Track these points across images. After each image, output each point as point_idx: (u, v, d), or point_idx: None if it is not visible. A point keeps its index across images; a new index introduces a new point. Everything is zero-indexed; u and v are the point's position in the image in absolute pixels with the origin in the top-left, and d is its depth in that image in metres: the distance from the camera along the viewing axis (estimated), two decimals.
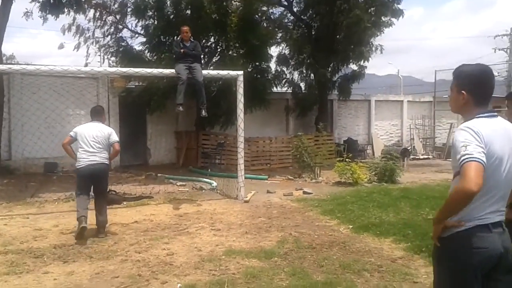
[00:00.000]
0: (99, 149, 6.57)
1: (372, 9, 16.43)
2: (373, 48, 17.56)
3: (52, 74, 12.13)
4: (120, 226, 7.00)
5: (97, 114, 6.96)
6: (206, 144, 15.64)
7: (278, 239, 6.22)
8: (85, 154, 6.49)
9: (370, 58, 17.47)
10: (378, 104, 21.70)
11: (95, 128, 6.72)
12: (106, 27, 15.55)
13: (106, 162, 6.73)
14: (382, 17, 16.79)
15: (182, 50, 9.03)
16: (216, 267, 5.03)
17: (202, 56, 10.21)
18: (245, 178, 9.87)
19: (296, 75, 18.91)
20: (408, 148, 20.19)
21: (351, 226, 6.92)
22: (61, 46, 15.53)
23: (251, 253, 5.52)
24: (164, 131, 16.51)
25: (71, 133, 6.73)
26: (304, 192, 10.10)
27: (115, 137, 6.80)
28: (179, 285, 4.48)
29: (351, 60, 17.64)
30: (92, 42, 15.55)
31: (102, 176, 6.70)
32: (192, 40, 9.39)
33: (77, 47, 15.33)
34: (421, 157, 20.12)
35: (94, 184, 6.66)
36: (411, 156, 19.34)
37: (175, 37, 14.43)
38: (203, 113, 9.39)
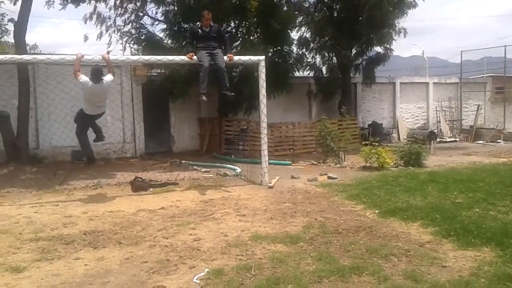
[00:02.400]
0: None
1: None
2: (396, 31, 17.17)
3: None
4: (147, 212, 7.10)
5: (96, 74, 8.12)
6: (229, 130, 15.68)
7: (303, 224, 6.21)
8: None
9: (393, 41, 17.12)
10: (403, 86, 21.32)
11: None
12: (126, 15, 15.63)
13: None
14: None
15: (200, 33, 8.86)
16: (243, 252, 5.05)
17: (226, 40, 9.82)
18: (269, 163, 9.87)
19: (318, 59, 18.71)
20: (435, 131, 19.82)
21: (377, 211, 6.85)
22: (85, 38, 15.70)
23: (277, 238, 5.52)
24: (187, 118, 16.61)
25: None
26: (329, 177, 10.04)
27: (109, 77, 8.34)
28: (206, 269, 4.52)
29: (375, 44, 17.28)
30: (114, 30, 15.66)
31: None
32: (212, 24, 9.06)
33: (99, 36, 15.47)
34: (448, 140, 19.76)
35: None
36: (438, 139, 18.98)
37: (196, 23, 14.45)
38: (229, 94, 9.24)
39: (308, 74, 18.77)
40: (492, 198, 7.38)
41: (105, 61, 8.39)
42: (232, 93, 9.39)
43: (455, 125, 21.58)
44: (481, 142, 18.90)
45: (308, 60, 18.39)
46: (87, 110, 8.27)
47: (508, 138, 18.61)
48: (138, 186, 9.02)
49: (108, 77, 8.22)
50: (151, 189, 9.03)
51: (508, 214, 6.41)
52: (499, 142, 18.43)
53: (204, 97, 9.01)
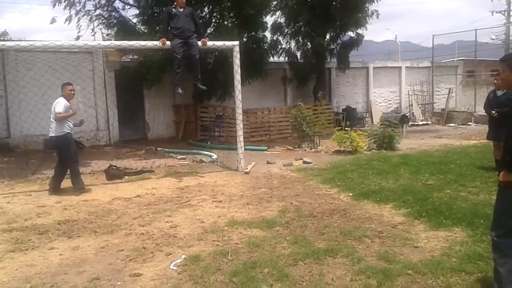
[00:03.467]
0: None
1: None
2: (369, 14, 17.29)
3: (47, 50, 11.94)
4: (122, 201, 7.06)
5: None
6: (204, 117, 15.61)
7: (279, 208, 6.29)
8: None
9: (367, 25, 17.23)
10: (376, 71, 21.54)
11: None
12: None
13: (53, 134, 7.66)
14: None
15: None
16: (219, 238, 5.10)
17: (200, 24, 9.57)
18: (245, 149, 9.91)
19: (292, 44, 18.65)
20: (407, 114, 20.17)
21: (351, 194, 6.99)
22: (52, 21, 15.23)
23: (253, 223, 5.59)
24: (162, 105, 16.44)
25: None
26: (304, 162, 10.15)
27: (57, 108, 7.58)
28: (183, 256, 4.55)
29: (349, 28, 17.36)
30: (84, 15, 15.26)
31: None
32: (186, 6, 8.88)
33: (69, 20, 15.03)
34: (420, 123, 20.14)
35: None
36: (410, 123, 19.36)
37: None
38: (200, 86, 9.27)
39: (283, 59, 18.76)
40: (463, 180, 7.61)
41: None
42: (204, 87, 9.42)
43: (427, 109, 21.98)
44: (452, 125, 19.32)
45: (283, 45, 18.36)
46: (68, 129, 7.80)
47: (479, 121, 19.05)
48: (113, 174, 8.94)
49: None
50: (126, 177, 8.97)
51: (478, 195, 6.63)
52: (470, 125, 18.87)
53: (180, 90, 9.02)
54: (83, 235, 5.39)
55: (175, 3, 8.84)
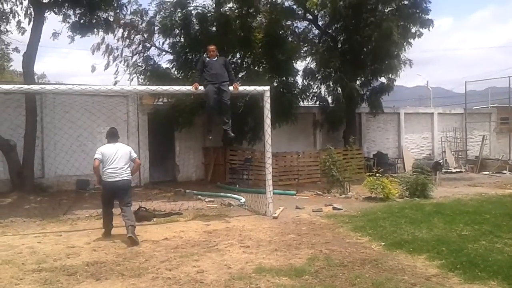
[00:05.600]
0: (124, 165, 7.46)
1: (400, 22, 16.26)
2: (402, 63, 17.32)
3: (84, 93, 12.43)
4: (150, 243, 7.05)
5: (114, 135, 7.80)
6: (233, 160, 15.69)
7: (308, 256, 6.14)
8: (111, 170, 7.34)
9: (400, 71, 17.24)
10: (408, 116, 21.38)
11: (117, 147, 7.61)
12: (134, 46, 15.96)
13: (130, 178, 7.63)
14: (412, 28, 16.64)
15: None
16: (247, 285, 4.99)
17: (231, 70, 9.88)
18: (273, 193, 9.83)
19: (323, 89, 18.83)
20: (440, 161, 19.75)
21: (383, 243, 6.77)
22: (93, 69, 15.98)
23: (281, 271, 5.45)
24: (192, 147, 16.66)
25: (98, 156, 7.42)
26: (334, 208, 9.97)
27: (134, 154, 7.77)
28: None
29: (381, 74, 17.39)
30: (121, 61, 15.95)
31: (127, 189, 7.57)
32: (218, 55, 9.28)
33: (107, 66, 15.74)
34: (454, 170, 19.64)
35: (119, 197, 7.49)
36: (443, 170, 18.89)
37: (202, 54, 14.69)
38: (230, 133, 9.44)
39: (314, 103, 18.88)
40: (499, 231, 7.31)
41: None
42: (233, 134, 9.63)
43: (460, 156, 21.50)
44: (486, 173, 18.78)
45: (314, 90, 18.54)
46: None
47: None
48: (142, 216, 8.98)
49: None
50: (154, 219, 9.00)
51: None
52: (505, 173, 18.30)
53: (210, 136, 9.65)
54: (110, 278, 5.37)
55: (207, 54, 9.18)
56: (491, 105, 26.60)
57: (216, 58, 9.15)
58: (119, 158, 7.43)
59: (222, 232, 7.77)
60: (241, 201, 11.02)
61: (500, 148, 21.71)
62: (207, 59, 9.18)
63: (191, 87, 9.22)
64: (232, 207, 10.62)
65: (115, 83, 15.20)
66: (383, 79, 17.91)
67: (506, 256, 5.85)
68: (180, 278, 5.30)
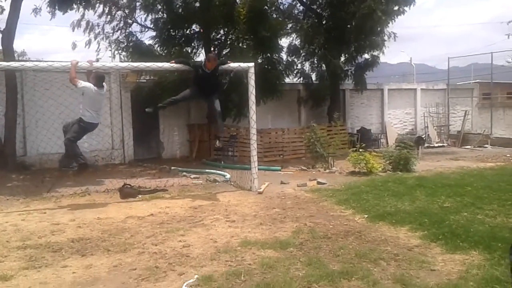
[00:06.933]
0: None
1: None
2: (386, 37, 17.33)
3: (65, 70, 12.16)
4: (136, 219, 7.05)
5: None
6: (218, 137, 15.62)
7: (293, 229, 6.22)
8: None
9: (385, 47, 17.24)
10: (391, 92, 21.51)
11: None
12: (115, 22, 15.64)
13: None
14: (394, 6, 16.57)
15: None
16: (232, 258, 5.04)
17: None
18: (258, 169, 9.88)
19: (307, 66, 18.79)
20: (423, 136, 20.00)
21: (366, 216, 6.89)
22: (74, 46, 15.66)
23: (266, 244, 5.52)
24: (177, 124, 16.58)
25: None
26: (318, 182, 10.07)
27: None
28: (196, 276, 4.50)
29: (365, 50, 17.36)
30: (102, 38, 15.64)
31: None
32: (214, 68, 8.92)
33: (88, 43, 15.44)
34: (436, 145, 19.94)
35: None
36: (426, 145, 19.17)
37: (185, 31, 14.56)
38: (217, 143, 9.73)
39: (298, 80, 18.85)
40: (480, 202, 7.47)
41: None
42: (219, 145, 10.01)
43: (442, 131, 21.80)
44: (468, 147, 19.11)
45: (298, 67, 18.48)
46: (89, 118, 8.19)
47: (495, 143, 18.83)
48: (127, 193, 8.96)
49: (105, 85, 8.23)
50: (140, 196, 8.98)
51: (495, 218, 6.49)
52: (486, 147, 18.65)
53: (149, 109, 9.50)
54: (96, 254, 5.38)
55: (205, 62, 8.90)
56: (474, 81, 26.89)
57: (210, 72, 8.78)
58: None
59: (207, 208, 7.81)
60: (226, 177, 11.06)
61: (481, 123, 22.03)
62: (200, 70, 8.84)
63: (174, 63, 9.22)
64: (217, 183, 10.65)
65: (97, 60, 14.91)
66: (367, 56, 17.92)
67: (487, 227, 6.00)
68: (166, 252, 5.33)
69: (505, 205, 7.15)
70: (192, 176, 11.67)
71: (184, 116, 16.51)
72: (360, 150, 11.77)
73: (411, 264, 4.74)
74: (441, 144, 20.22)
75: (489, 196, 8.01)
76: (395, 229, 6.14)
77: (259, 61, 14.77)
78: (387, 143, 19.47)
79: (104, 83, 8.40)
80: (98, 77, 8.20)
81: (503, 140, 18.36)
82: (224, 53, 15.23)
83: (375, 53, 17.50)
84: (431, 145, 19.76)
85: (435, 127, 21.61)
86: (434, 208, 7.24)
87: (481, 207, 7.18)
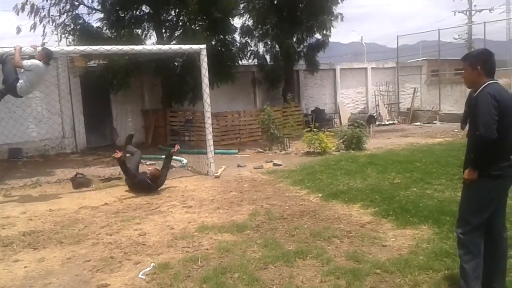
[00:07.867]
0: None
1: None
2: (335, 16, 17.50)
3: (10, 55, 11.60)
4: (90, 209, 6.92)
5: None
6: (174, 122, 15.47)
7: (249, 212, 6.29)
8: None
9: (333, 27, 17.44)
10: (343, 72, 21.83)
11: None
12: (61, 4, 14.91)
13: None
14: None
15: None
16: (189, 244, 5.06)
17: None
18: (215, 153, 9.88)
19: (261, 47, 18.75)
20: (374, 114, 20.53)
21: (320, 195, 7.06)
22: (18, 30, 14.83)
23: (223, 228, 5.57)
24: (130, 110, 16.18)
25: None
26: (274, 164, 10.18)
27: None
28: (152, 264, 4.49)
29: (315, 30, 17.53)
30: (48, 21, 14.91)
31: None
32: None
33: (33, 27, 14.68)
34: (387, 122, 20.51)
35: None
36: (377, 123, 19.69)
37: (135, 12, 14.11)
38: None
39: (252, 62, 18.79)
40: (429, 178, 7.80)
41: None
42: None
43: (393, 108, 22.41)
44: (418, 123, 19.76)
45: (252, 48, 18.40)
46: (23, 92, 7.79)
47: (444, 119, 19.54)
48: (80, 183, 8.75)
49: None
50: (93, 185, 8.80)
51: (444, 192, 6.80)
52: (435, 123, 19.34)
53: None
54: (48, 246, 5.25)
55: None
56: (422, 58, 27.68)
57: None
58: None
59: (164, 194, 7.77)
60: (183, 162, 10.97)
61: (430, 99, 22.77)
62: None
63: (123, 46, 8.91)
64: (174, 169, 10.53)
65: (43, 45, 14.25)
66: (318, 36, 18.07)
67: (436, 202, 6.28)
68: (122, 242, 5.28)
69: (453, 179, 7.45)
70: (148, 162, 11.49)
71: (137, 101, 16.14)
72: (314, 130, 11.96)
73: (363, 240, 4.92)
74: (391, 122, 20.81)
75: (438, 171, 8.36)
76: (348, 207, 6.33)
77: (213, 43, 14.59)
78: (341, 122, 19.86)
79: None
80: (47, 53, 7.76)
81: (451, 116, 19.05)
82: (176, 35, 14.92)
83: (325, 32, 17.66)
84: (382, 123, 20.30)
85: (385, 105, 22.19)
86: (385, 184, 7.50)
87: (430, 182, 7.49)
